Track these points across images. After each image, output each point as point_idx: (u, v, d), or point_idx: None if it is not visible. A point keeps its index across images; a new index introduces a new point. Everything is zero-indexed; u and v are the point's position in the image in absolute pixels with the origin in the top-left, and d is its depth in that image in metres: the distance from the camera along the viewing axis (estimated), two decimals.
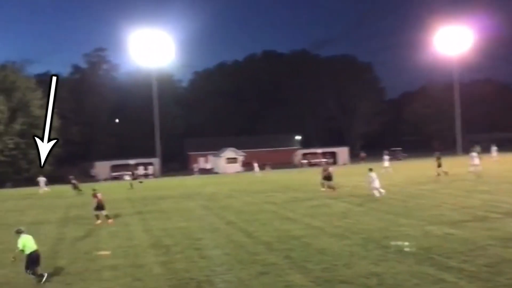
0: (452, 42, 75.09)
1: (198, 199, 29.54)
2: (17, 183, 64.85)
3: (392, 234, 15.38)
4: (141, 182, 48.95)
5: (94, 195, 22.29)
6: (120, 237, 17.87)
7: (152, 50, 70.07)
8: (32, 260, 12.36)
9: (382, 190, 24.66)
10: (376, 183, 24.88)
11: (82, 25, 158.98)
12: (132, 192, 38.82)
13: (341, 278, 11.18)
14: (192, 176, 60.76)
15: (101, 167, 69.33)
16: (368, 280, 10.88)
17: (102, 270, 13.20)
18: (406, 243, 14.01)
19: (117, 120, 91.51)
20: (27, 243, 12.50)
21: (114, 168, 68.80)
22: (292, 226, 18.09)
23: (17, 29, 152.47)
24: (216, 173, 67.04)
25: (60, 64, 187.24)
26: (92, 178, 65.62)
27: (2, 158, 65.91)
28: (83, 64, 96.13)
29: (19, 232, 12.65)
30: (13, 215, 27.34)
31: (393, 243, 14.27)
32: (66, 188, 42.68)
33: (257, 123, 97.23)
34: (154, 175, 68.03)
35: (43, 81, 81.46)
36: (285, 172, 57.90)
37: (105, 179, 64.83)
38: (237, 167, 67.64)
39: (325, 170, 30.56)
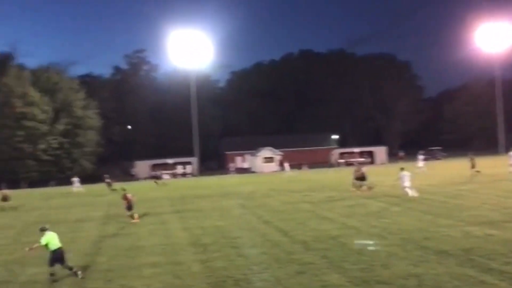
0: (494, 38, 73.06)
1: (235, 198, 29.74)
2: (61, 182, 66.93)
3: (431, 235, 15.12)
4: (158, 181, 49.81)
5: (124, 196, 22.93)
6: (159, 235, 18.21)
7: (190, 50, 71.04)
8: (56, 257, 12.67)
9: (411, 191, 24.37)
10: (407, 183, 24.61)
11: (123, 26, 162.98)
12: (171, 191, 39.45)
13: (379, 278, 11.09)
14: (229, 175, 61.27)
15: (141, 166, 70.77)
16: (407, 281, 10.76)
17: (142, 267, 13.43)
18: (371, 242, 13.82)
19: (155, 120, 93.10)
20: (51, 240, 12.83)
21: (154, 167, 70.10)
22: (329, 225, 18.03)
23: (61, 32, 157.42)
24: (253, 172, 67.35)
25: (102, 65, 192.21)
26: (132, 177, 67.11)
27: (46, 157, 68.16)
28: (123, 65, 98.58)
29: (43, 230, 12.99)
30: (58, 212, 28.31)
31: (356, 241, 14.31)
32: (102, 187, 43.87)
33: (294, 122, 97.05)
34: (192, 174, 68.96)
35: (86, 82, 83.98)
36: (322, 171, 57.60)
37: (145, 178, 66.12)
38: (273, 166, 67.78)
39: (357, 170, 30.34)
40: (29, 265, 14.29)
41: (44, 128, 67.70)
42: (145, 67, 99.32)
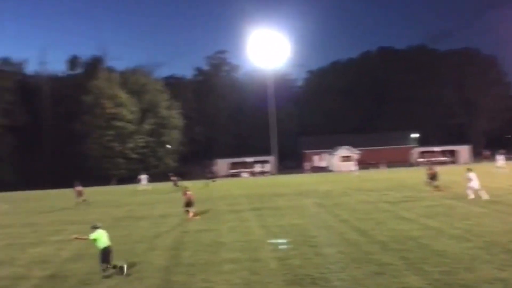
0: None
1: (312, 197, 29.78)
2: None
3: None
4: (214, 181, 50.98)
5: (185, 193, 24.18)
6: (239, 232, 18.70)
7: (268, 50, 71.87)
8: (105, 254, 13.29)
9: (481, 192, 23.19)
10: (475, 184, 23.60)
11: (206, 28, 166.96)
12: (250, 188, 40.15)
13: (462, 282, 10.77)
14: (306, 174, 61.28)
15: (221, 165, 72.61)
16: (492, 286, 10.39)
17: (222, 263, 13.84)
18: (284, 241, 13.18)
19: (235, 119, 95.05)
20: (101, 237, 13.48)
21: (233, 165, 71.60)
22: (408, 226, 17.63)
23: (148, 35, 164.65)
24: (330, 171, 66.85)
25: (185, 67, 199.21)
26: (213, 175, 69.04)
27: (134, 156, 71.82)
28: (205, 66, 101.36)
29: (95, 228, 13.68)
30: (144, 208, 29.87)
31: (269, 241, 14.27)
32: (194, 184, 45.47)
33: (373, 120, 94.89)
34: (270, 173, 69.69)
35: (170, 83, 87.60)
36: (401, 170, 56.03)
37: (224, 176, 67.76)
38: (351, 165, 66.89)
39: (430, 169, 30.16)
40: (119, 258, 15.12)
41: (132, 127, 71.37)
42: (225, 68, 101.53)
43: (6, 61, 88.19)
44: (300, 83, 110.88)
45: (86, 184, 61.86)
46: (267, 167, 72.17)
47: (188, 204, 23.51)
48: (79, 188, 35.90)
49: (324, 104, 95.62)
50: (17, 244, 18.88)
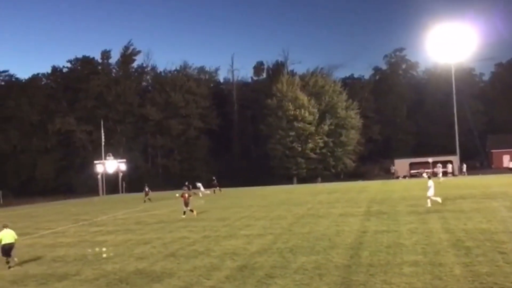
0: None
1: (501, 200, 27.49)
2: (326, 179, 71.68)
3: None
4: (220, 190, 52.82)
5: (182, 195, 30.16)
6: (420, 234, 18.18)
7: (451, 45, 67.49)
8: (4, 250, 16.75)
9: None
10: None
11: (383, 27, 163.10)
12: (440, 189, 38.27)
13: None
14: (493, 175, 55.87)
15: (400, 164, 70.37)
16: None
17: (402, 265, 13.65)
18: None
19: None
20: (4, 236, 16.77)
21: (413, 165, 68.89)
22: None
23: (326, 37, 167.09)
24: None
25: (363, 67, 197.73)
26: (392, 175, 67.35)
27: (314, 156, 73.89)
28: (383, 65, 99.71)
29: (4, 227, 17.22)
30: (323, 207, 30.75)
31: None
32: (369, 183, 45.13)
33: None
34: (453, 174, 65.23)
35: (347, 83, 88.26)
36: None
37: (404, 176, 65.54)
38: None
39: None
40: (301, 254, 16.06)
41: (311, 128, 73.52)
42: (404, 66, 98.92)
43: (201, 69, 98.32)
44: (487, 77, 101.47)
45: (269, 183, 66.10)
46: (450, 168, 67.67)
47: (186, 204, 29.59)
48: (147, 189, 47.54)
49: None
50: (212, 237, 21.10)
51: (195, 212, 29.62)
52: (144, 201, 45.68)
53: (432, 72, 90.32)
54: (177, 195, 35.52)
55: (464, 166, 64.37)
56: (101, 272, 15.42)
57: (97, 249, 20.10)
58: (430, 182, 27.07)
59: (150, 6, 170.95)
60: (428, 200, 26.53)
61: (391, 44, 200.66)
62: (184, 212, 29.64)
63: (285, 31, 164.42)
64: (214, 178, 55.26)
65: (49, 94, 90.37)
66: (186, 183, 46.68)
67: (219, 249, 17.85)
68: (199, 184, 52.19)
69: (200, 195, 48.88)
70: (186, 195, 30.49)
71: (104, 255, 18.58)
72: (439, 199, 26.73)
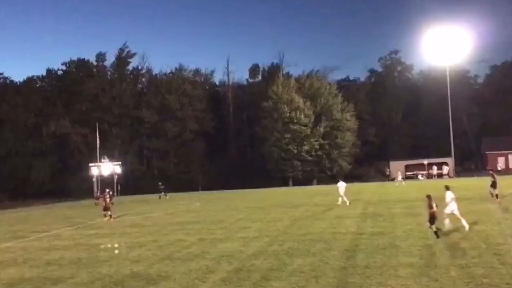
0: None
1: (498, 202, 27.60)
2: (321, 180, 71.78)
3: None
4: (166, 195, 54.32)
5: (97, 197, 32.11)
6: (415, 237, 18.18)
7: (446, 47, 67.89)
8: None
9: None
10: None
11: (378, 29, 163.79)
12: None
13: None
14: (488, 177, 56.01)
15: (395, 167, 70.57)
16: None
17: (398, 267, 13.66)
18: None
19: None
20: None
21: (408, 167, 69.10)
22: None
23: (321, 40, 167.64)
24: None
25: (358, 69, 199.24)
26: (387, 177, 67.53)
27: (309, 158, 74.04)
28: (378, 68, 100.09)
29: None
30: (319, 210, 30.78)
31: None
32: (365, 185, 45.15)
33: None
34: (448, 175, 65.51)
35: (343, 86, 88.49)
36: None
37: (402, 178, 65.70)
38: None
39: None
40: (297, 256, 16.03)
41: (307, 131, 73.71)
42: (399, 68, 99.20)
43: (197, 72, 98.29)
44: (481, 80, 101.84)
45: (265, 185, 66.03)
46: (445, 169, 67.90)
47: (106, 208, 31.67)
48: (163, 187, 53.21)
49: (510, 102, 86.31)
50: (208, 239, 21.06)
51: (112, 219, 31.41)
52: (160, 197, 53.08)
53: (427, 75, 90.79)
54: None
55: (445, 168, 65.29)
56: (97, 275, 15.34)
57: (92, 252, 20.01)
58: (449, 195, 19.38)
59: (145, 8, 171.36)
60: (447, 220, 19.01)
61: (386, 46, 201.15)
62: (105, 215, 31.55)
63: (281, 33, 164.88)
64: (160, 183, 56.81)
65: (44, 96, 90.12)
66: (160, 183, 54.81)
67: (215, 252, 17.80)
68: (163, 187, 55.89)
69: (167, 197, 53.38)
70: (108, 199, 32.27)
71: (100, 258, 18.50)
72: (447, 222, 18.99)
